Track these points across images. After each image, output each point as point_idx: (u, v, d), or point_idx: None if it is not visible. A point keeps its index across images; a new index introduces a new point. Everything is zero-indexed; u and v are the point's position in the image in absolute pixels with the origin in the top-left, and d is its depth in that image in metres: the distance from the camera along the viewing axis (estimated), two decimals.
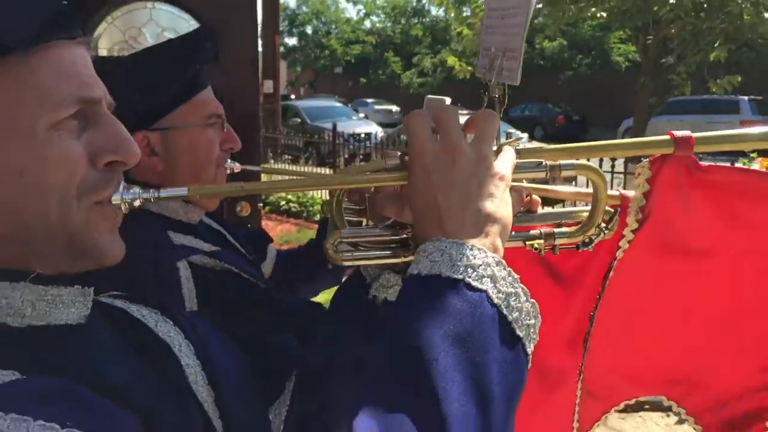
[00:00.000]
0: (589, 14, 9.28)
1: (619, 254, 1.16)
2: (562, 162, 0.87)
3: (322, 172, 11.04)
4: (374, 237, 0.92)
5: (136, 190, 0.79)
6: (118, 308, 0.90)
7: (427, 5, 29.30)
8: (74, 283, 0.77)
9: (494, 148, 0.82)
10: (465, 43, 11.76)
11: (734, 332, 1.32)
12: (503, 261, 0.75)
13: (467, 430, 0.63)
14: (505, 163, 0.81)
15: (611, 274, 1.21)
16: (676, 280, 1.24)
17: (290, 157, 14.05)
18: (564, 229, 0.92)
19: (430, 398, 0.64)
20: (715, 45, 9.95)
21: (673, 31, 10.12)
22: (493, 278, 0.72)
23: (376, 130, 20.57)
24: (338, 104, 23.86)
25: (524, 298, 0.73)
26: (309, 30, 43.29)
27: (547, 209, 1.07)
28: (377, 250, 0.91)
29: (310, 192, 11.48)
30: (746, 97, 17.15)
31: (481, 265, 0.72)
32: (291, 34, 43.15)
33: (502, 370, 0.68)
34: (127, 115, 0.82)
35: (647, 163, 0.98)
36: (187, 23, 4.23)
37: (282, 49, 43.05)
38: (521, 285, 0.74)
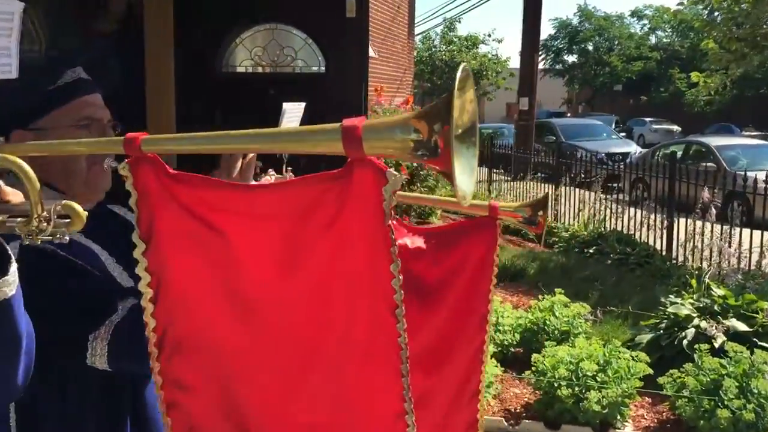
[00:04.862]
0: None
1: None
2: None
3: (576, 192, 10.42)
4: None
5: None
6: None
7: (718, 17, 27.00)
8: None
9: None
10: (710, 57, 11.00)
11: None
12: None
13: None
14: None
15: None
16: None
17: (543, 175, 13.96)
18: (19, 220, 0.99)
19: None
20: None
21: None
22: None
23: (634, 150, 19.55)
24: (598, 122, 23.03)
25: None
26: (590, 47, 42.16)
27: None
28: None
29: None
30: None
31: None
32: (571, 52, 42.39)
33: None
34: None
35: (126, 165, 0.99)
36: (302, 41, 4.62)
37: (560, 66, 42.45)
38: None
